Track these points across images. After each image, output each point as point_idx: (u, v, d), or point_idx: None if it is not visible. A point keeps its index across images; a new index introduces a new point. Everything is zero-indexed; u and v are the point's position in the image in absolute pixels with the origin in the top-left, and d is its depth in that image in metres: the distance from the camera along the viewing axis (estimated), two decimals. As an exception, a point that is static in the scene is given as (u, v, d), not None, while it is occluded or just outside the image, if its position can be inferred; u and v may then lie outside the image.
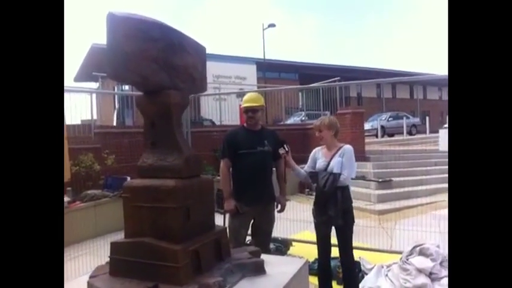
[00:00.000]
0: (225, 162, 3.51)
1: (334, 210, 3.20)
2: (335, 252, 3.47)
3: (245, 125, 3.62)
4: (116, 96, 14.89)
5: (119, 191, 7.07)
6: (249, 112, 3.50)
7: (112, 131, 9.90)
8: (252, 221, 3.55)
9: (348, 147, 3.38)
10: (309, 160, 3.54)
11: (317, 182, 3.31)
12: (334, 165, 3.28)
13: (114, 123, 14.41)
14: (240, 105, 13.92)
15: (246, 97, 3.62)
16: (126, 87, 15.18)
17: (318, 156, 3.46)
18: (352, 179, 3.41)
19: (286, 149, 3.41)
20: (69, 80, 24.84)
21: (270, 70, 24.90)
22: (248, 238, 3.78)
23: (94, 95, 10.30)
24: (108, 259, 2.15)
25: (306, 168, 3.54)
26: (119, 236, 2.30)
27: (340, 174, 3.23)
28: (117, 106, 15.49)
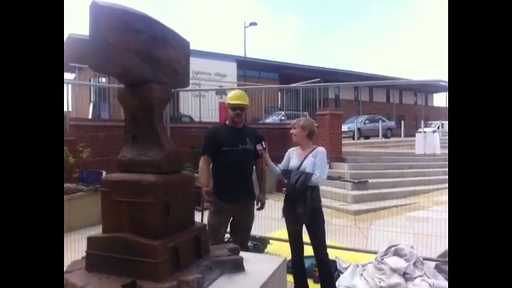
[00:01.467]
0: (205, 159, 3.47)
1: (302, 208, 3.26)
2: (311, 251, 3.50)
3: (227, 122, 3.59)
4: (92, 88, 14.54)
5: (94, 185, 6.91)
6: (237, 110, 3.47)
7: (88, 124, 9.64)
8: (232, 219, 3.54)
9: (320, 149, 3.47)
10: (284, 159, 3.61)
11: (289, 180, 3.37)
12: (307, 165, 3.35)
13: (90, 116, 14.07)
14: (220, 102, 13.85)
15: (232, 94, 3.57)
16: (103, 79, 14.85)
17: (292, 155, 3.54)
18: (324, 179, 3.47)
19: (264, 146, 3.48)
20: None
21: (250, 68, 24.86)
22: (226, 235, 3.76)
23: (70, 86, 10.02)
24: (83, 254, 2.10)
25: (280, 166, 3.61)
26: (94, 231, 2.25)
27: (312, 174, 3.30)
28: (92, 99, 15.13)
